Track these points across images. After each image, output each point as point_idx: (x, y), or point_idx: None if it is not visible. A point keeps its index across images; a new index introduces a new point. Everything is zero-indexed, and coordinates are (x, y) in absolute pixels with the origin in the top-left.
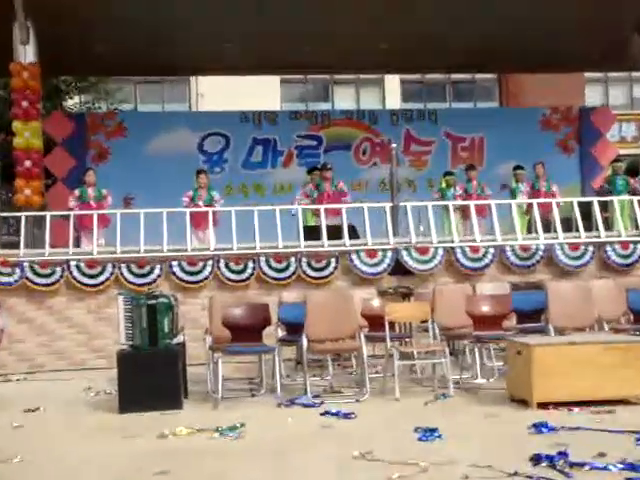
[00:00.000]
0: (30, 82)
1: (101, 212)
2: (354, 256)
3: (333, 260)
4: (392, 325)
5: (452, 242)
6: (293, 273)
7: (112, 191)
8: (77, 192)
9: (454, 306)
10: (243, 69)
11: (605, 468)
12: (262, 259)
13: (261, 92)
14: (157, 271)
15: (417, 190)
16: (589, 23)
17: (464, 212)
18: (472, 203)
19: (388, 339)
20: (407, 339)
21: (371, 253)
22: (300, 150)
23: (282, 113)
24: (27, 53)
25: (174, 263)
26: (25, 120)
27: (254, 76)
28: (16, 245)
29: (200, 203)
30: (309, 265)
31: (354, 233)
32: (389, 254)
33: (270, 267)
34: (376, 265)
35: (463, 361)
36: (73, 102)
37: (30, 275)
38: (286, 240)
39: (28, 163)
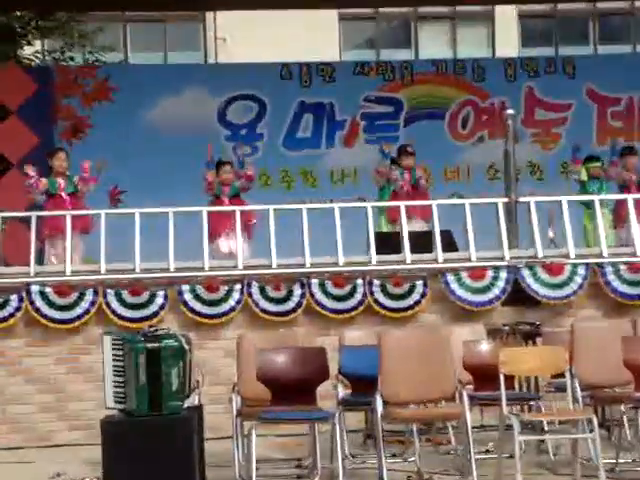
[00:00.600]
0: None
1: (78, 212)
2: (451, 277)
3: (419, 283)
4: (510, 381)
5: (600, 256)
6: (360, 302)
7: (93, 181)
8: (42, 182)
9: (604, 353)
10: (283, 1)
11: None
12: (314, 282)
13: (311, 35)
14: (160, 299)
15: (546, 178)
16: None
17: (618, 214)
18: (630, 198)
19: (504, 402)
20: (533, 402)
21: (476, 273)
22: (369, 120)
23: (342, 65)
24: None
25: (185, 288)
26: None
27: (300, 10)
28: None
29: (224, 200)
30: (384, 290)
31: (450, 243)
32: (503, 274)
33: (326, 294)
34: (484, 291)
35: (619, 437)
36: (33, 50)
37: None
38: (350, 253)
39: None
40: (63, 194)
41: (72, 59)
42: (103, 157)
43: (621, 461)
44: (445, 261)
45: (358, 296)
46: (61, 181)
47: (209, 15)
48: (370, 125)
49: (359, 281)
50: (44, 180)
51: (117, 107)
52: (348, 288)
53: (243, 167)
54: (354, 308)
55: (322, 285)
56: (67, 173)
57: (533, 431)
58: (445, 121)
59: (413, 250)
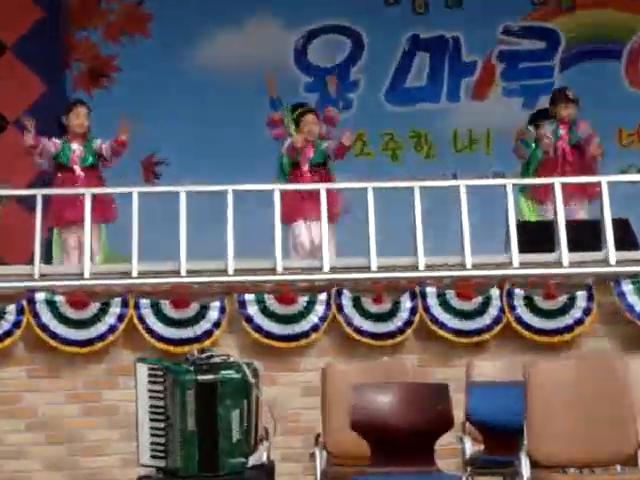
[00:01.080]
0: None
1: (99, 190)
2: (629, 286)
3: (582, 294)
4: None
5: None
6: (496, 321)
7: (123, 147)
8: (52, 145)
9: None
10: None
11: None
12: (430, 291)
13: None
14: (215, 314)
15: None
16: None
17: None
18: None
19: None
20: None
21: None
22: (511, 61)
23: None
24: None
25: (249, 298)
26: None
27: None
28: None
29: (305, 169)
30: (530, 304)
31: (627, 237)
32: None
33: (448, 308)
34: None
35: None
36: None
37: None
38: (482, 252)
39: None
40: (77, 167)
41: None
42: (135, 112)
43: None
44: (619, 263)
45: (493, 312)
46: (76, 148)
47: None
48: (511, 69)
49: (494, 291)
50: (56, 141)
51: (155, 43)
52: (479, 300)
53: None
54: (487, 329)
55: (442, 296)
56: (85, 135)
57: None
58: (622, 62)
59: (573, 247)
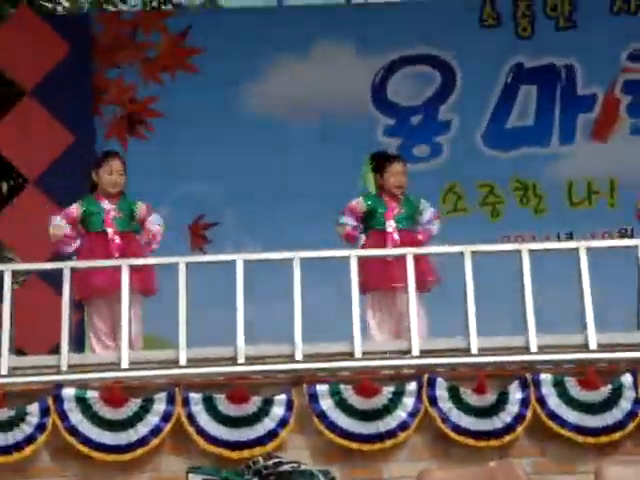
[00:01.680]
0: None
1: (140, 261)
2: None
3: None
4: None
5: None
6: (630, 416)
7: (164, 208)
8: (75, 208)
9: None
10: None
11: None
12: (545, 378)
13: None
14: (281, 410)
15: None
16: None
17: None
18: None
19: None
20: None
21: None
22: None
23: None
24: None
25: (322, 390)
26: None
27: None
28: None
29: (390, 230)
30: None
31: None
32: None
33: (568, 399)
34: None
35: None
36: None
37: None
38: (608, 329)
39: None
40: (110, 231)
41: (125, 1)
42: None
43: None
44: None
45: (626, 404)
46: (109, 207)
47: None
48: None
49: (627, 377)
50: (74, 206)
51: (202, 81)
52: (607, 389)
53: None
54: (620, 425)
55: (560, 384)
56: (122, 193)
57: None
58: None
59: None
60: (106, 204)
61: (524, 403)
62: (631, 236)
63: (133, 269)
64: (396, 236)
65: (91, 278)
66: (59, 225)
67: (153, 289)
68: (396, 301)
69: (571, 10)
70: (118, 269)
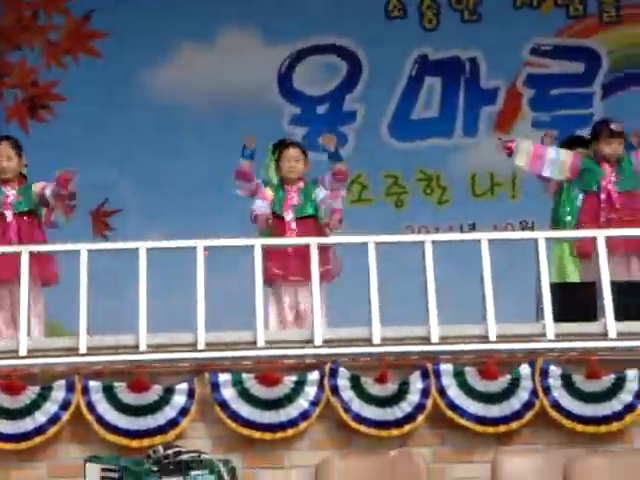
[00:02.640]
0: None
1: (39, 247)
2: None
3: (632, 373)
4: None
5: None
6: (527, 405)
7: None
8: None
9: None
10: None
11: None
12: (445, 369)
13: None
14: (182, 398)
15: None
16: None
17: None
18: None
19: None
20: None
21: None
22: (541, 87)
23: None
24: None
25: (224, 379)
26: None
27: None
28: None
29: (289, 219)
30: (569, 385)
31: None
32: None
33: (468, 389)
34: None
35: None
36: None
37: None
38: (509, 319)
39: None
40: (8, 213)
41: None
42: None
43: None
44: None
45: (523, 394)
46: (9, 192)
47: None
48: (542, 96)
49: (525, 368)
50: None
51: (106, 65)
52: (505, 380)
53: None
54: (517, 415)
55: (460, 375)
56: (22, 176)
57: None
58: None
59: (621, 314)
60: (7, 189)
61: (425, 393)
62: (532, 228)
63: (34, 257)
64: (293, 225)
65: None
66: None
67: (53, 278)
68: (297, 292)
69: (476, 3)
70: (15, 258)
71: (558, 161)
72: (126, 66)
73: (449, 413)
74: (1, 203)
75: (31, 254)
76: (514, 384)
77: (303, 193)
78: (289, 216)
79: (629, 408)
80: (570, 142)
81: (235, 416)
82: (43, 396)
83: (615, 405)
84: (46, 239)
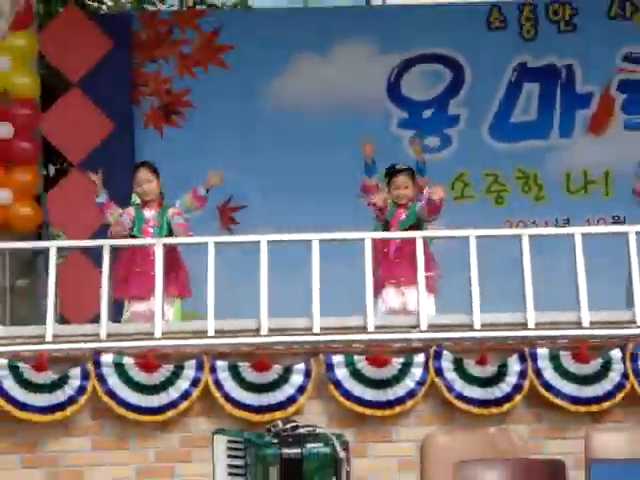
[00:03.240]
0: None
1: (171, 240)
2: None
3: None
4: None
5: None
6: (618, 387)
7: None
8: (128, 217)
9: None
10: None
11: None
12: (542, 353)
13: None
14: (299, 378)
15: None
16: None
17: None
18: None
19: None
20: None
21: None
22: (633, 91)
23: (588, 3)
24: None
25: (338, 360)
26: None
27: None
28: None
29: (395, 228)
30: None
31: None
32: None
33: (563, 372)
34: None
35: None
36: None
37: (9, 386)
38: (601, 307)
39: (5, 129)
40: (151, 233)
41: (163, 1)
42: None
43: None
44: None
45: (615, 376)
46: (149, 216)
47: None
48: (634, 100)
49: (616, 352)
50: (131, 211)
51: (233, 76)
52: (598, 363)
53: (423, 174)
54: (608, 396)
55: (555, 358)
56: (161, 196)
57: None
58: None
59: None
60: (147, 213)
61: (522, 375)
62: (623, 223)
63: (170, 275)
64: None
65: (130, 284)
66: (123, 222)
67: (188, 293)
68: (403, 293)
69: (572, 14)
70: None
71: None
72: (249, 77)
73: (545, 393)
74: (141, 229)
75: (165, 247)
76: (606, 367)
77: (410, 213)
78: (396, 224)
79: None
80: None
81: (348, 394)
82: (176, 374)
83: None
84: (180, 260)
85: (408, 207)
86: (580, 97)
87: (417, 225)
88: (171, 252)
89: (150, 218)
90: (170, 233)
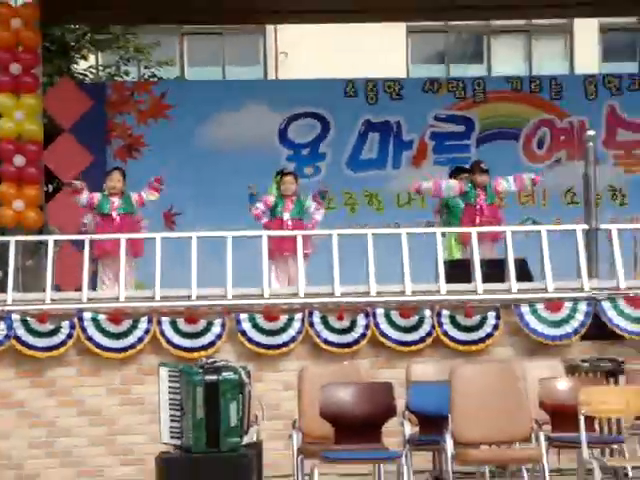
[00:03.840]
0: (24, 33)
1: (132, 236)
2: (525, 309)
3: (492, 315)
4: (590, 422)
5: None
6: (428, 334)
7: (149, 206)
8: (96, 198)
9: None
10: (347, 13)
11: None
12: (379, 312)
13: (377, 48)
14: (217, 329)
15: (629, 203)
16: None
17: None
18: None
19: (584, 445)
20: (615, 446)
21: (553, 305)
22: (439, 140)
23: (410, 82)
24: None
25: (243, 317)
26: (15, 93)
27: (365, 24)
28: (1, 288)
29: (286, 218)
30: (453, 322)
31: (525, 272)
32: (582, 307)
33: (392, 324)
34: (561, 324)
35: None
36: (87, 65)
37: (21, 333)
38: (418, 281)
39: (19, 160)
40: (114, 214)
41: (127, 74)
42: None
43: None
44: (519, 291)
45: (426, 327)
46: (115, 200)
47: (269, 29)
48: (440, 145)
49: (427, 311)
50: (97, 195)
51: (173, 125)
52: (415, 319)
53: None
54: (422, 340)
55: (387, 315)
56: (122, 193)
57: (615, 477)
58: (520, 142)
59: (485, 279)
60: (112, 199)
61: (366, 327)
62: (433, 225)
63: (128, 240)
64: (289, 223)
65: (104, 245)
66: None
67: (140, 252)
68: (288, 263)
69: (399, 88)
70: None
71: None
72: (185, 126)
73: (382, 340)
74: (110, 207)
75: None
76: (421, 321)
77: (297, 203)
78: (286, 216)
79: (489, 335)
80: (457, 170)
81: (250, 340)
82: (134, 326)
83: (481, 334)
84: (137, 228)
85: (295, 201)
86: (405, 143)
87: (301, 217)
88: (134, 224)
89: (115, 201)
90: (130, 211)
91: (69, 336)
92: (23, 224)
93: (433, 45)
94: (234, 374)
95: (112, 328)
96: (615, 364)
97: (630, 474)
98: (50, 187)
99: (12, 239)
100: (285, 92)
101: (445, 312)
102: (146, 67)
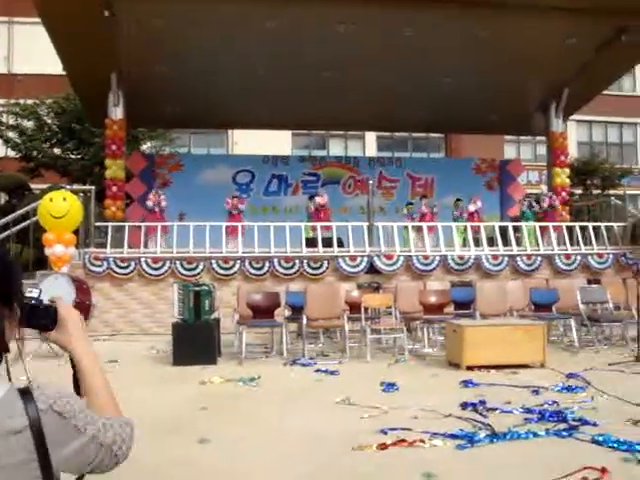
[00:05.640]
0: (118, 132)
1: (164, 224)
2: (340, 260)
3: (325, 262)
4: (366, 309)
5: (410, 252)
6: (297, 271)
7: (171, 209)
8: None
9: (410, 297)
10: (265, 125)
11: (510, 412)
12: (275, 260)
13: (278, 141)
14: (201, 267)
15: (387, 214)
16: (507, 106)
17: (419, 230)
18: (425, 225)
19: (363, 319)
20: (377, 320)
21: (352, 258)
22: (304, 183)
23: (292, 157)
24: (117, 112)
25: (213, 261)
26: (113, 158)
27: (273, 130)
28: (104, 246)
29: (236, 216)
30: (308, 265)
31: (341, 244)
32: (365, 259)
33: (281, 266)
34: (356, 267)
35: (416, 336)
36: (147, 146)
37: (113, 267)
38: (293, 247)
39: (114, 189)
40: (157, 210)
41: (164, 150)
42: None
43: (416, 347)
44: (338, 252)
45: (296, 268)
46: (156, 207)
47: (230, 130)
48: (305, 186)
49: (297, 261)
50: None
51: (184, 174)
52: (291, 264)
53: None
54: (294, 273)
55: (279, 262)
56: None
57: (376, 333)
58: (340, 185)
59: (323, 246)
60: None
61: (269, 267)
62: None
63: (162, 226)
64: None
65: (151, 230)
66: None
67: (167, 231)
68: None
69: (288, 159)
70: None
71: None
72: (190, 173)
73: (276, 273)
74: (154, 209)
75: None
76: (294, 265)
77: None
78: (237, 214)
79: (324, 271)
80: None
81: (216, 272)
82: (163, 265)
83: (321, 270)
84: (165, 219)
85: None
86: (290, 184)
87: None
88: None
89: (157, 209)
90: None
91: (134, 269)
92: (115, 218)
93: (303, 140)
94: (207, 287)
95: (154, 266)
96: (378, 284)
97: (382, 331)
98: (128, 201)
99: (110, 224)
100: (235, 160)
101: (305, 261)
102: (173, 147)
